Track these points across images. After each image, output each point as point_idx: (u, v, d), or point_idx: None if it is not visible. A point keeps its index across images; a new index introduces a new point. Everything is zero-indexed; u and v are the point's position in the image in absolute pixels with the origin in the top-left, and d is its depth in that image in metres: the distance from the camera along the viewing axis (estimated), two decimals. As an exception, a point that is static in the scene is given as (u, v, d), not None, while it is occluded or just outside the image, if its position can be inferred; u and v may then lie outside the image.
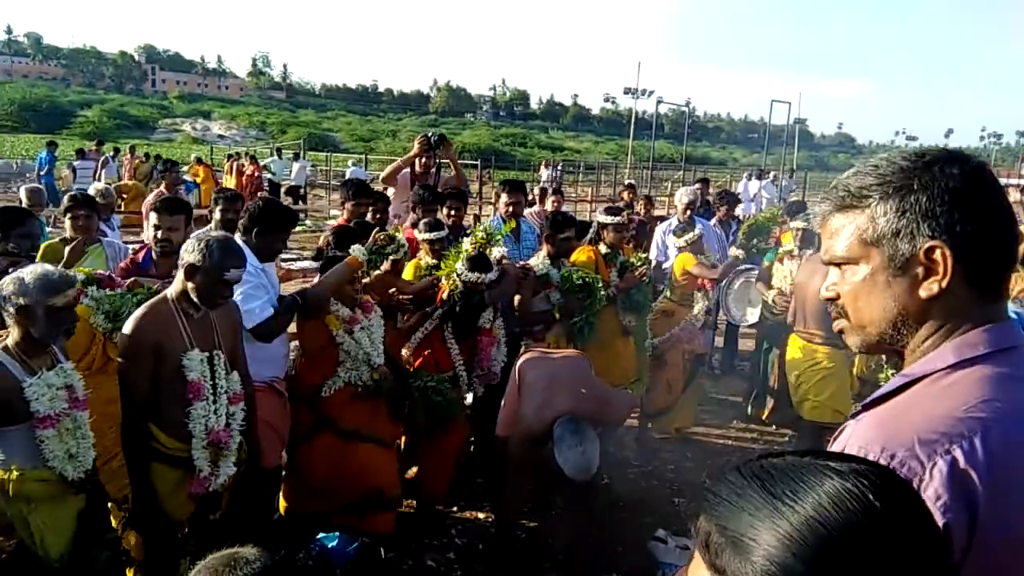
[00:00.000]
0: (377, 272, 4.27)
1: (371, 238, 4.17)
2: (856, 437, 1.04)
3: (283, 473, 4.15)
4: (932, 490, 0.94)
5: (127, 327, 2.93)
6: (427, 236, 4.86)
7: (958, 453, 0.95)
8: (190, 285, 2.97)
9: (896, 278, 1.09)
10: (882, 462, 0.96)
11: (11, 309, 2.66)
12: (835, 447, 1.08)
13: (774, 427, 6.21)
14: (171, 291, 3.03)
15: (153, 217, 4.13)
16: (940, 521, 0.92)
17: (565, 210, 7.28)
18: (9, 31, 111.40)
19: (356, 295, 3.97)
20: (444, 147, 6.08)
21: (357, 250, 3.89)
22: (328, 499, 3.98)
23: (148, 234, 4.02)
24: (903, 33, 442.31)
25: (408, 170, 6.07)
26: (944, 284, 1.05)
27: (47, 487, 2.78)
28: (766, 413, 6.21)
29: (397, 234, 4.32)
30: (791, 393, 4.98)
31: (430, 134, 6.13)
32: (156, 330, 2.93)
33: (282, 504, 4.18)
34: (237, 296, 3.44)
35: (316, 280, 4.01)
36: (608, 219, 5.35)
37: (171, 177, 8.39)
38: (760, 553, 0.75)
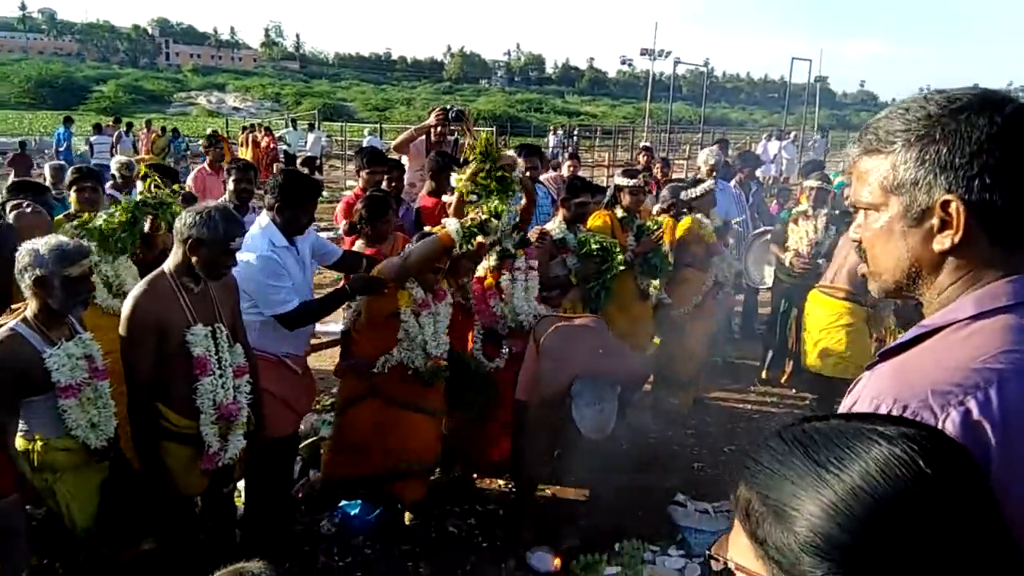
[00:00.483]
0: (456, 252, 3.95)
1: (467, 217, 3.80)
2: (870, 388, 1.02)
3: (324, 441, 4.20)
4: None
5: (127, 306, 2.91)
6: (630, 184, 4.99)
7: (972, 404, 0.92)
8: (194, 259, 2.95)
9: (911, 228, 1.07)
10: (894, 412, 0.94)
11: (28, 280, 2.68)
12: (848, 398, 1.06)
13: (793, 391, 6.19)
14: (168, 266, 3.01)
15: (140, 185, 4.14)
16: None
17: (582, 175, 7.21)
18: (23, 7, 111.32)
19: (436, 278, 3.89)
20: (464, 121, 6.01)
21: (452, 227, 3.69)
22: (366, 462, 3.99)
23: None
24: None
25: (423, 138, 6.02)
26: (956, 239, 1.03)
27: (71, 456, 2.84)
28: (785, 376, 6.18)
29: (492, 220, 3.79)
30: (810, 350, 4.93)
31: (448, 107, 6.03)
32: (157, 307, 2.92)
33: (321, 472, 4.26)
34: (251, 282, 3.46)
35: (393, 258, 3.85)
36: (625, 182, 5.29)
37: (215, 152, 8.14)
38: (803, 523, 0.73)
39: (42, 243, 2.72)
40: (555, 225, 4.94)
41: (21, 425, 2.76)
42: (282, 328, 3.61)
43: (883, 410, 0.96)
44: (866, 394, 1.01)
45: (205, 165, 8.12)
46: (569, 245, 4.84)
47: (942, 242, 1.05)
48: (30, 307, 2.75)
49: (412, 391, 3.93)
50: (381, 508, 4.10)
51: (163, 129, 21.33)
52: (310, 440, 4.81)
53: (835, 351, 4.83)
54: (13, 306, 2.90)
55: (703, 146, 16.72)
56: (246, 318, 3.46)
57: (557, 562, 3.78)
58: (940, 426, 0.92)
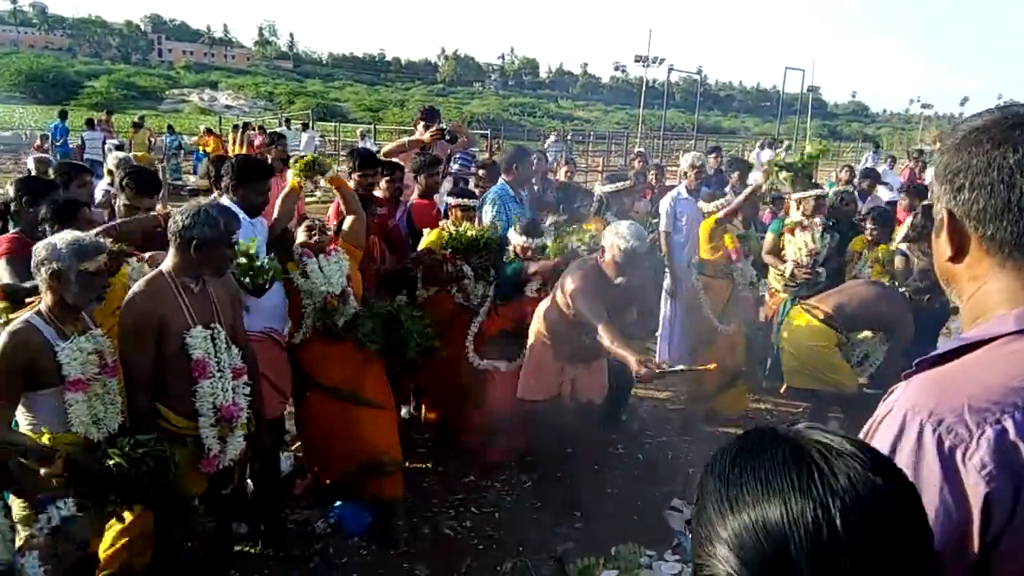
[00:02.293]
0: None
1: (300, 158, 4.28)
2: (905, 398, 1.01)
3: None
4: (977, 458, 0.91)
5: (126, 306, 2.90)
6: (460, 202, 4.94)
7: (1008, 423, 0.91)
8: (198, 258, 2.94)
9: (936, 238, 1.13)
10: (928, 426, 0.94)
11: (44, 274, 2.67)
12: (882, 407, 1.05)
13: (787, 399, 6.20)
14: (167, 266, 2.99)
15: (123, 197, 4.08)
16: (983, 490, 0.89)
17: (577, 181, 7.24)
18: (14, 1, 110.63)
19: (316, 239, 3.96)
20: (459, 138, 6.08)
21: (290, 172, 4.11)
22: (336, 462, 4.05)
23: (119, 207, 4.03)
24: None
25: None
26: (949, 252, 1.07)
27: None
28: (783, 386, 6.19)
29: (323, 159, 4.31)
30: (786, 363, 4.96)
31: (445, 128, 6.00)
32: (157, 307, 2.90)
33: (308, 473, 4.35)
34: None
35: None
36: (610, 187, 5.31)
37: (277, 151, 8.01)
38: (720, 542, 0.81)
39: (59, 237, 2.72)
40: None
41: (29, 419, 2.74)
42: (257, 302, 3.68)
43: (917, 422, 0.95)
44: (901, 404, 1.00)
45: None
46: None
47: (942, 252, 1.10)
48: (45, 300, 2.75)
49: (341, 370, 3.99)
50: (375, 509, 4.09)
51: (134, 124, 20.75)
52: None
53: (807, 364, 4.88)
54: (28, 300, 2.89)
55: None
56: None
57: None
58: (975, 442, 0.91)
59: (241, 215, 3.69)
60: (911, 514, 0.81)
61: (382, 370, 4.21)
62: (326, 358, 4.00)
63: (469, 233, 4.70)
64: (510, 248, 4.77)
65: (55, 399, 2.72)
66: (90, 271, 2.72)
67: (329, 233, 4.07)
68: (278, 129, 20.77)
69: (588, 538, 4.00)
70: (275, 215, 4.05)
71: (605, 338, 3.70)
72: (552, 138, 24.53)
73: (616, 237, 3.89)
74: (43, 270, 2.67)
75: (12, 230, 3.82)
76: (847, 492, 0.78)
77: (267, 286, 3.64)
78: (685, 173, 6.56)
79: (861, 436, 1.06)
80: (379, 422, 4.07)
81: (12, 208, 3.90)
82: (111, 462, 2.67)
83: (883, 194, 9.74)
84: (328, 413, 4.00)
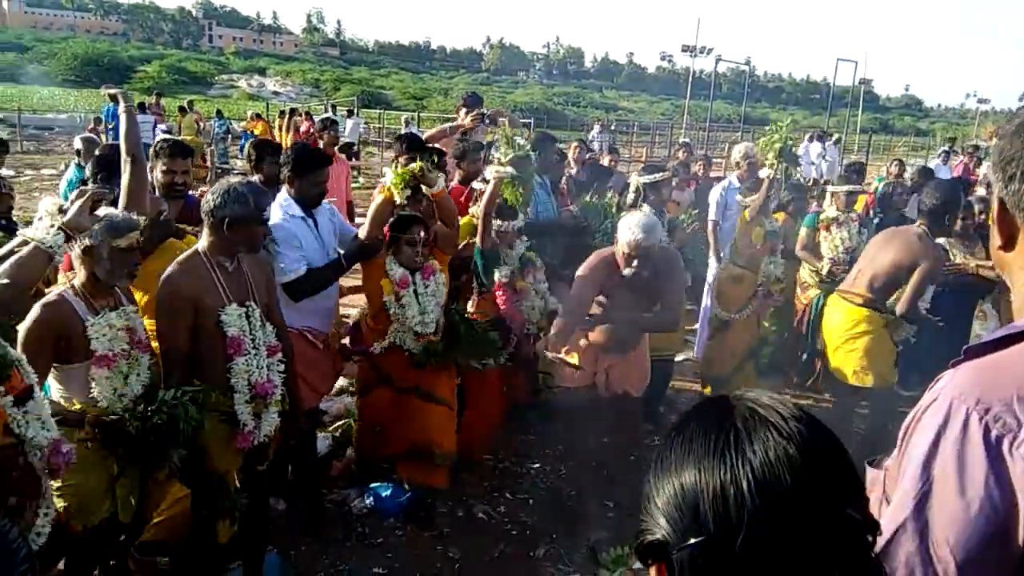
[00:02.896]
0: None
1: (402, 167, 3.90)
2: (952, 386, 0.99)
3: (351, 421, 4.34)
4: None
5: (162, 284, 2.94)
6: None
7: None
8: (231, 236, 2.98)
9: (993, 228, 1.10)
10: (975, 414, 0.92)
11: (77, 250, 2.71)
12: (928, 395, 1.03)
13: (823, 393, 6.10)
14: (202, 245, 3.04)
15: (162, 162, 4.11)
16: None
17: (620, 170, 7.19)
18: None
19: (416, 257, 3.87)
20: (500, 123, 6.01)
21: (387, 177, 3.81)
22: (390, 442, 4.05)
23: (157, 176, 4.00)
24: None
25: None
26: (999, 242, 1.06)
27: None
28: (811, 379, 6.10)
29: (429, 170, 3.80)
30: (831, 355, 4.81)
31: (486, 113, 6.01)
32: (192, 285, 2.94)
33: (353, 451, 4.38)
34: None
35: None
36: (646, 178, 5.25)
37: (329, 136, 7.79)
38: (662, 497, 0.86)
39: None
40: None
41: (60, 390, 2.78)
42: (304, 301, 3.69)
43: (964, 410, 0.94)
44: (947, 392, 0.98)
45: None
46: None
47: (996, 239, 1.07)
48: (78, 275, 2.79)
49: (420, 377, 3.96)
50: (412, 492, 4.13)
51: (181, 108, 21.12)
52: (343, 421, 4.85)
53: (854, 360, 4.67)
54: (65, 273, 2.94)
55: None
56: None
57: None
58: (1022, 434, 0.89)
59: (298, 210, 3.76)
60: (822, 486, 0.81)
61: (454, 372, 4.21)
62: (406, 366, 3.96)
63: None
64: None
65: (84, 373, 2.75)
66: (122, 248, 2.74)
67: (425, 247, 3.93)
68: (330, 115, 20.98)
69: (622, 528, 3.98)
70: (366, 230, 3.87)
71: (554, 327, 3.96)
72: (597, 128, 24.38)
73: (625, 229, 3.91)
74: (76, 246, 2.70)
75: None
76: (758, 459, 0.81)
77: None
78: (737, 163, 6.49)
79: (905, 424, 1.04)
80: (441, 416, 4.04)
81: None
82: (131, 426, 2.72)
83: None
84: (393, 404, 4.00)
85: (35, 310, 2.68)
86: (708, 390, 5.81)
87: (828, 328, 4.81)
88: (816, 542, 0.79)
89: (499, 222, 4.48)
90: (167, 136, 5.95)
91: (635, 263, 3.92)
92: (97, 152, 4.29)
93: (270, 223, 3.57)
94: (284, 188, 3.87)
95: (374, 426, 4.07)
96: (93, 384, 2.75)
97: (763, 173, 5.57)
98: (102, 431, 2.72)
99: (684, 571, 0.81)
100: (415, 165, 3.76)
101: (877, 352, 4.62)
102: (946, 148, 16.21)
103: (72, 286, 2.78)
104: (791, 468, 0.80)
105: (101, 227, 2.70)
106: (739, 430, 0.84)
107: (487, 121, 5.87)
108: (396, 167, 4.04)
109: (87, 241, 2.69)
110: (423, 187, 3.84)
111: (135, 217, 2.89)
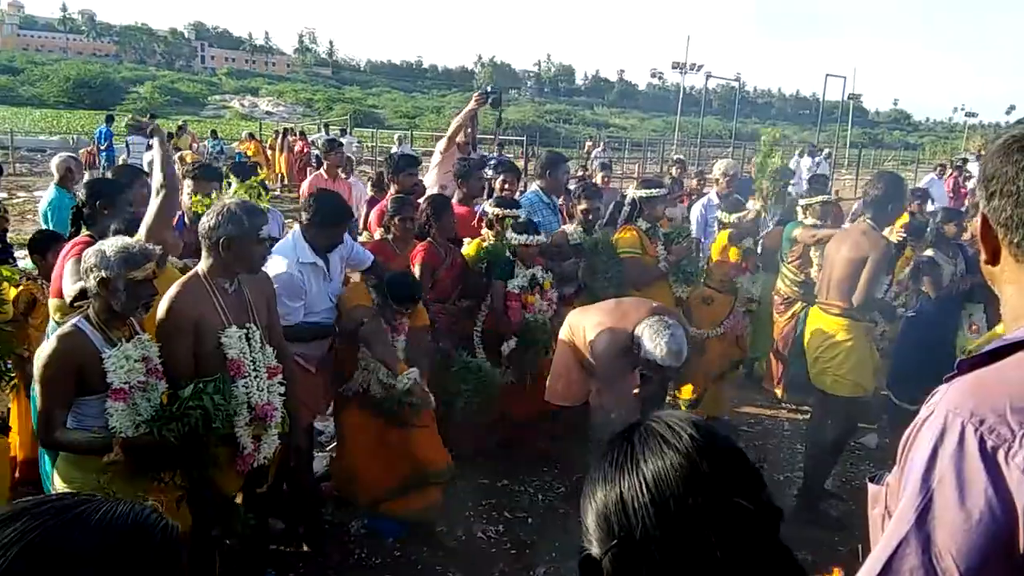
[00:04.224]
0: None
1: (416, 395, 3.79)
2: (946, 400, 1.01)
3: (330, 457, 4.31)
4: (1020, 458, 0.91)
5: (162, 307, 2.93)
6: (506, 213, 4.83)
7: None
8: (228, 257, 2.98)
9: (980, 242, 1.13)
10: (970, 426, 0.94)
11: (93, 281, 2.69)
12: (924, 410, 1.05)
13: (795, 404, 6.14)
14: (201, 268, 3.03)
15: (189, 184, 4.11)
16: None
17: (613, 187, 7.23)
18: (64, 8, 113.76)
19: (394, 321, 3.94)
20: (501, 105, 6.14)
21: (405, 380, 3.70)
22: (382, 479, 3.97)
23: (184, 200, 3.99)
24: (964, 2, 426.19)
25: (455, 147, 5.98)
26: (985, 256, 1.09)
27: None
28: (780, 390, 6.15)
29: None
30: (810, 365, 4.81)
31: (488, 89, 6.07)
32: (192, 307, 2.93)
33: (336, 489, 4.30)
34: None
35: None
36: (643, 192, 5.28)
37: (333, 158, 7.56)
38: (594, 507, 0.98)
39: (108, 245, 2.73)
40: (572, 228, 5.13)
41: (76, 422, 2.75)
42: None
43: (959, 423, 0.95)
44: (942, 406, 1.00)
45: (322, 171, 7.69)
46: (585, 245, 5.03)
47: (982, 254, 1.11)
48: (93, 306, 2.77)
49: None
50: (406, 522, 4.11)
51: (179, 128, 21.24)
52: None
53: (832, 369, 4.64)
54: (77, 303, 2.91)
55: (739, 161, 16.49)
56: None
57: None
58: (1017, 442, 0.91)
59: (309, 255, 3.74)
60: (710, 484, 0.93)
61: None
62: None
63: (506, 249, 4.72)
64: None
65: (98, 405, 2.72)
66: (138, 279, 2.72)
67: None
68: (335, 137, 21.01)
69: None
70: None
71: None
72: (599, 147, 24.45)
73: (654, 350, 3.75)
74: (91, 277, 2.68)
75: (84, 233, 3.66)
76: (649, 469, 0.94)
77: None
78: (717, 180, 6.54)
79: (904, 438, 1.06)
80: (427, 437, 4.02)
81: (85, 212, 3.71)
82: (168, 432, 2.70)
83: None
84: (374, 432, 3.95)
85: (52, 341, 2.68)
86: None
87: (808, 339, 4.81)
88: (707, 531, 0.90)
89: (522, 236, 4.59)
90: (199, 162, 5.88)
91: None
92: (87, 180, 4.23)
93: (280, 273, 3.58)
94: (297, 227, 3.84)
95: (358, 462, 4.03)
96: (110, 418, 2.71)
97: (752, 206, 5.63)
98: (135, 452, 2.69)
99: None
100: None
101: (856, 360, 4.58)
102: (943, 162, 16.32)
103: (87, 316, 2.76)
104: (676, 472, 0.93)
105: (117, 259, 2.67)
106: (635, 446, 0.98)
107: (490, 101, 5.93)
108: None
109: (103, 273, 2.67)
110: None
111: (151, 248, 2.87)
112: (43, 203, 6.11)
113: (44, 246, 4.26)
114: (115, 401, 2.71)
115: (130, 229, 3.30)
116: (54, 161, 6.32)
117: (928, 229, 5.66)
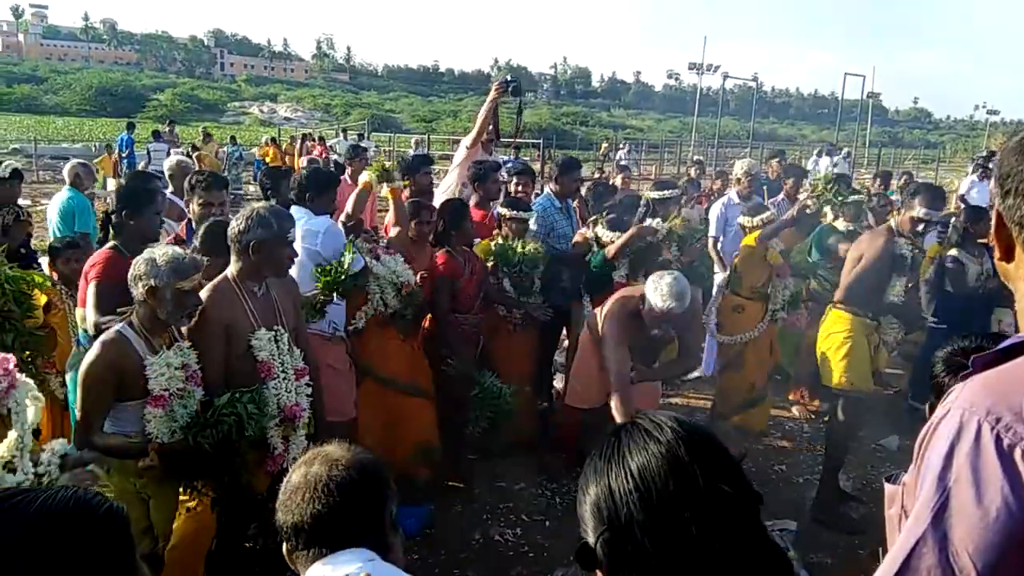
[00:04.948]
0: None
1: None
2: (962, 399, 1.00)
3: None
4: None
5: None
6: (515, 215, 4.90)
7: None
8: (258, 260, 3.01)
9: (996, 239, 1.11)
10: (987, 425, 0.94)
11: (141, 289, 2.73)
12: (940, 410, 1.04)
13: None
14: (230, 272, 3.07)
15: (200, 195, 4.14)
16: None
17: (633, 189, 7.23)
18: (86, 18, 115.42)
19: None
20: (521, 93, 6.17)
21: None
22: (392, 448, 4.09)
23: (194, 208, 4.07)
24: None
25: (477, 147, 5.99)
26: (999, 254, 1.08)
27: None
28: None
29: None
30: (820, 362, 4.75)
31: (507, 79, 6.08)
32: (224, 311, 2.97)
33: None
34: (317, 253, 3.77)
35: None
36: (658, 195, 5.27)
37: (358, 164, 7.44)
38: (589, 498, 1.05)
39: (159, 254, 2.76)
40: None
41: (113, 427, 2.79)
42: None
43: (975, 421, 0.95)
44: (958, 404, 0.99)
45: (346, 177, 7.45)
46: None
47: (996, 251, 1.10)
48: (137, 312, 2.81)
49: (398, 364, 4.16)
50: (422, 512, 4.13)
51: (232, 139, 21.74)
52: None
53: (833, 361, 4.58)
54: (120, 309, 2.93)
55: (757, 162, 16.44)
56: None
57: None
58: None
59: (314, 222, 3.92)
60: (692, 474, 0.99)
61: (428, 364, 4.39)
62: (384, 352, 4.17)
63: (516, 250, 4.75)
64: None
65: (136, 411, 2.76)
66: (185, 289, 2.76)
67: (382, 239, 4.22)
68: (357, 143, 21.20)
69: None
70: (349, 210, 4.23)
71: (614, 404, 4.00)
72: (624, 149, 24.40)
73: (655, 294, 3.90)
74: (140, 285, 2.72)
75: (110, 243, 3.62)
76: (635, 462, 1.01)
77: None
78: (738, 179, 6.49)
79: (920, 437, 1.06)
80: (426, 409, 4.30)
81: (112, 219, 3.71)
82: (202, 439, 2.74)
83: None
84: (380, 400, 4.15)
85: (96, 347, 2.72)
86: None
87: (821, 335, 4.77)
88: (691, 517, 0.96)
89: (613, 233, 4.77)
90: (187, 167, 5.89)
91: (662, 324, 4.07)
92: (123, 184, 4.31)
93: (326, 228, 3.87)
94: (295, 208, 3.95)
95: (366, 435, 4.08)
96: (148, 424, 2.74)
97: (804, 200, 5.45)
98: (169, 457, 2.72)
99: (606, 564, 1.00)
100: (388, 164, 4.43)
101: (851, 353, 4.52)
102: (980, 161, 13.64)
103: (130, 323, 2.80)
104: (658, 462, 1.00)
105: (167, 268, 2.71)
106: (621, 441, 1.06)
107: (509, 89, 5.91)
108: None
109: (152, 282, 2.71)
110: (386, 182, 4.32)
111: (200, 258, 2.92)
112: (54, 204, 6.26)
113: (57, 253, 4.26)
114: (154, 407, 2.74)
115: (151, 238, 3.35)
116: (65, 168, 6.63)
117: (950, 228, 5.56)
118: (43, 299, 3.76)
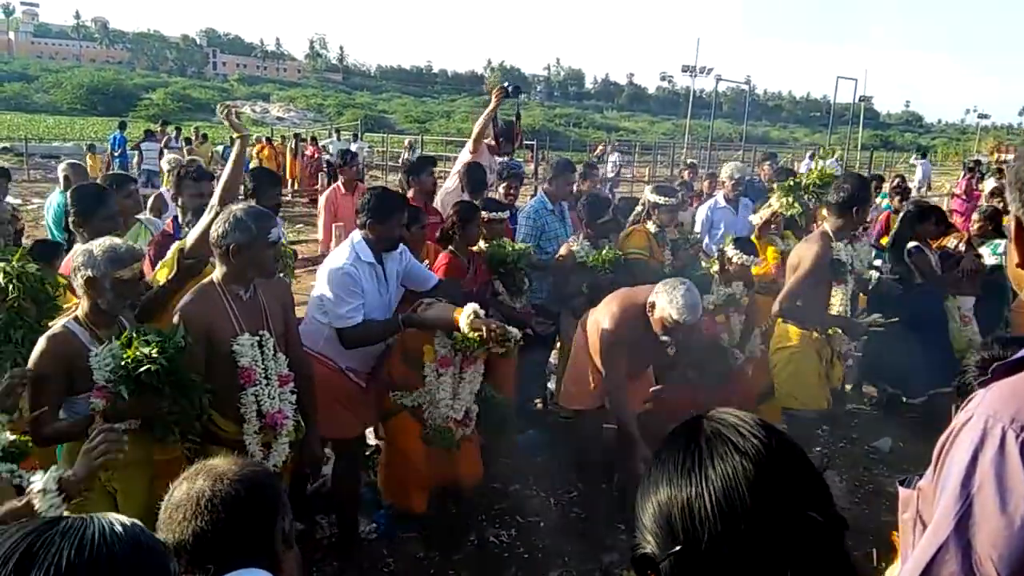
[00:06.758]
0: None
1: (486, 329, 3.44)
2: (985, 405, 1.00)
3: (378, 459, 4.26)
4: None
5: (175, 314, 2.94)
6: (491, 216, 4.82)
7: None
8: (241, 263, 2.97)
9: (1012, 246, 1.10)
10: (1011, 432, 0.93)
11: (80, 280, 2.72)
12: (962, 415, 1.02)
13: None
14: (216, 276, 3.03)
15: (190, 186, 4.10)
16: None
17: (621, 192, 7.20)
18: (77, 16, 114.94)
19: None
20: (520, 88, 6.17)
21: (465, 320, 3.44)
22: (417, 481, 3.87)
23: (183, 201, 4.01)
24: (976, 4, 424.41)
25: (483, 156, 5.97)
26: (1017, 260, 1.06)
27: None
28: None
29: (513, 331, 3.53)
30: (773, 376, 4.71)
31: (506, 83, 6.08)
32: (205, 315, 2.93)
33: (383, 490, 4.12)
34: (326, 291, 3.53)
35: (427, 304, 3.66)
36: (662, 200, 5.23)
37: (350, 172, 7.28)
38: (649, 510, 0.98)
39: (96, 245, 2.74)
40: (579, 245, 4.99)
41: (66, 422, 2.75)
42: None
43: (999, 428, 0.94)
44: (981, 411, 0.99)
45: (340, 184, 7.32)
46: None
47: (1014, 257, 1.08)
48: (81, 306, 2.79)
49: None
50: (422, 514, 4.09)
51: (204, 136, 21.67)
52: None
53: (781, 379, 4.57)
54: (66, 305, 2.92)
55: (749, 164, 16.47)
56: (317, 324, 3.58)
57: None
58: None
59: (369, 255, 3.63)
60: (779, 495, 0.91)
61: None
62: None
63: (503, 250, 4.68)
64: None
65: (87, 402, 2.71)
66: (124, 279, 2.74)
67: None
68: (349, 148, 21.16)
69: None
70: (425, 314, 3.64)
71: (618, 410, 3.87)
72: (616, 156, 24.39)
73: (669, 305, 3.69)
74: (79, 276, 2.71)
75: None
76: (718, 476, 0.92)
77: None
78: (723, 183, 6.51)
79: (940, 443, 1.03)
80: (468, 451, 3.93)
81: (73, 221, 3.66)
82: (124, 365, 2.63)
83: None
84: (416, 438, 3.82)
85: (41, 342, 2.69)
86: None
87: (771, 348, 4.71)
88: (777, 544, 0.88)
89: (738, 253, 4.52)
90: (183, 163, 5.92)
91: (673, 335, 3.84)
92: (75, 186, 4.10)
93: (337, 267, 3.55)
94: (357, 231, 3.72)
95: (407, 467, 3.87)
96: (93, 411, 2.68)
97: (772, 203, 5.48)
98: (113, 413, 2.64)
99: None
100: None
101: (801, 373, 4.46)
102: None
103: (76, 316, 2.79)
104: (747, 482, 0.91)
105: (103, 258, 2.70)
106: (702, 449, 0.96)
107: (509, 92, 5.93)
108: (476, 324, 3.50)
109: (90, 272, 2.69)
110: None
111: (139, 248, 2.89)
112: (48, 207, 6.29)
113: (39, 256, 4.19)
114: (98, 399, 2.67)
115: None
116: (58, 168, 6.59)
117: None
118: (73, 301, 3.70)
